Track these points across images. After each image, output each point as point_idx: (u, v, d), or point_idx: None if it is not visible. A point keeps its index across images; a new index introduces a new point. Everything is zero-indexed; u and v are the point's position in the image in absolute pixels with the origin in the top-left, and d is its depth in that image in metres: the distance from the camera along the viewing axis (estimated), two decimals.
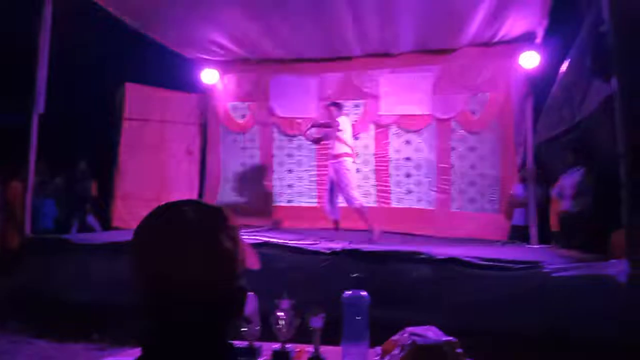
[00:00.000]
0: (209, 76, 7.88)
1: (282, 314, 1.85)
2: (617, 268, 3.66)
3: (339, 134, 6.02)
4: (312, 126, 6.55)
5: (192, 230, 0.92)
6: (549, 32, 5.95)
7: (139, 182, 7.47)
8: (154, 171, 7.68)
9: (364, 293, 1.67)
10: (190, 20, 6.24)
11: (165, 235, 0.92)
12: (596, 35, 4.03)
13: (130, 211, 7.18)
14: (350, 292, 1.68)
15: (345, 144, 6.04)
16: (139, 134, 7.61)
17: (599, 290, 3.67)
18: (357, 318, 1.68)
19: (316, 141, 6.77)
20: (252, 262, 1.04)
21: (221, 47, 7.26)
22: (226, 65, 7.90)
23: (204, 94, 8.13)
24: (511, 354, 3.54)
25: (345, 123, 6.14)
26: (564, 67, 5.20)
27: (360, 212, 5.95)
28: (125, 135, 7.51)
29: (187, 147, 8.09)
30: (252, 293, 1.98)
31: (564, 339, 3.58)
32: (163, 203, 1.00)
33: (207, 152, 8.18)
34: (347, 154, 6.04)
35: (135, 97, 7.60)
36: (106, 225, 7.64)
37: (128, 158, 7.50)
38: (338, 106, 6.26)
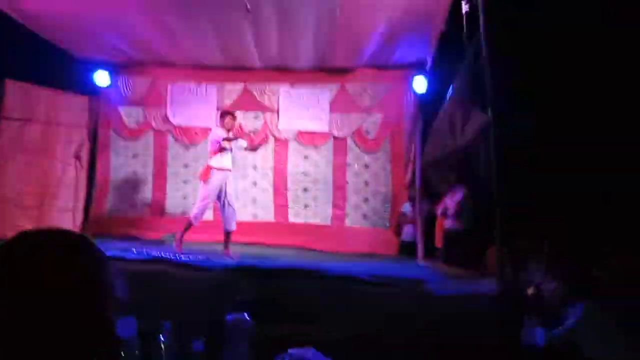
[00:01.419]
0: (101, 78, 7.47)
1: (164, 338, 1.79)
2: (489, 286, 3.96)
3: (230, 145, 5.88)
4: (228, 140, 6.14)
5: (51, 264, 0.87)
6: (438, 60, 6.37)
7: (18, 187, 6.85)
8: (36, 176, 7.08)
9: (247, 317, 1.67)
10: (82, 18, 5.87)
11: (23, 274, 0.86)
12: (475, 67, 4.39)
13: (5, 219, 6.53)
14: (233, 315, 1.67)
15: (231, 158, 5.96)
16: (19, 134, 6.96)
17: (475, 305, 3.94)
18: (240, 341, 1.67)
19: (254, 149, 6.43)
20: (121, 290, 1.00)
21: (115, 47, 6.90)
22: (120, 67, 7.54)
23: (95, 96, 7.68)
24: None
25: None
26: (449, 93, 5.59)
27: (231, 235, 5.91)
28: (3, 136, 6.85)
29: (75, 152, 7.57)
30: (131, 316, 1.91)
31: (441, 350, 3.80)
32: (25, 231, 0.93)
33: (96, 158, 7.72)
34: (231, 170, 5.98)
35: (17, 95, 6.96)
36: None
37: (6, 160, 6.83)
38: (233, 116, 6.03)
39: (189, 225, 5.84)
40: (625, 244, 3.40)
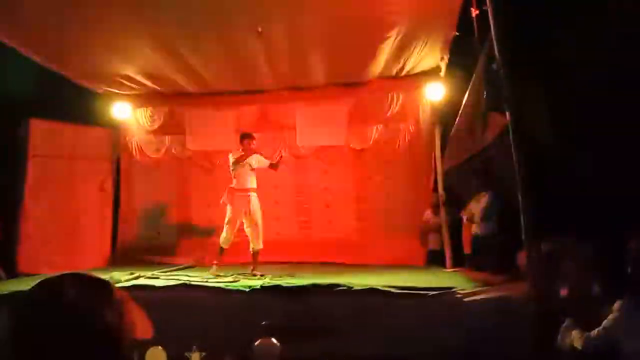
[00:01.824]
0: (121, 110, 7.63)
1: None
2: (522, 289, 3.88)
3: (252, 167, 5.97)
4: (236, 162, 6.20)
5: (70, 310, 0.89)
6: (452, 66, 6.34)
7: (47, 223, 7.00)
8: (63, 210, 7.24)
9: (274, 341, 1.66)
10: (98, 54, 6.04)
11: (43, 319, 0.88)
12: (490, 71, 4.36)
13: (38, 255, 6.67)
14: (260, 340, 1.67)
15: (254, 178, 6.03)
16: (46, 171, 7.15)
17: (506, 311, 3.87)
18: None
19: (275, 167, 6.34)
20: (144, 331, 1.01)
21: (132, 81, 7.06)
22: (138, 99, 7.69)
23: (115, 128, 7.85)
24: None
25: (255, 157, 6.11)
26: (465, 98, 5.55)
27: (258, 254, 5.95)
28: (30, 174, 7.03)
29: (100, 184, 7.72)
30: (160, 347, 1.92)
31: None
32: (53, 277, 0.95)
33: (120, 189, 7.86)
34: (255, 189, 6.03)
35: (41, 133, 7.16)
36: (11, 271, 7.05)
37: (34, 197, 6.99)
38: (252, 138, 6.12)
39: (221, 250, 5.95)
40: None
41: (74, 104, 7.13)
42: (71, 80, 6.79)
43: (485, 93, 4.33)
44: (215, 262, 5.87)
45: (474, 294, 4.08)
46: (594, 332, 3.00)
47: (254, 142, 6.09)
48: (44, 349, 0.85)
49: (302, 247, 7.32)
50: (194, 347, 1.84)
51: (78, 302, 0.90)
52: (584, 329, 3.07)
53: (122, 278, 4.85)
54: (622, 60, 3.47)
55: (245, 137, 6.10)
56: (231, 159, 6.01)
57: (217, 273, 5.56)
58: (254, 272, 5.71)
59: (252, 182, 5.98)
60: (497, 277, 4.73)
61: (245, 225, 6.00)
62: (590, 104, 3.74)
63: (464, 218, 6.26)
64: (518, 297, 3.90)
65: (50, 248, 6.82)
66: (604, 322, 2.97)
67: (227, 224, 5.93)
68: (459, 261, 6.38)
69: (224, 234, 5.93)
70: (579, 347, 3.03)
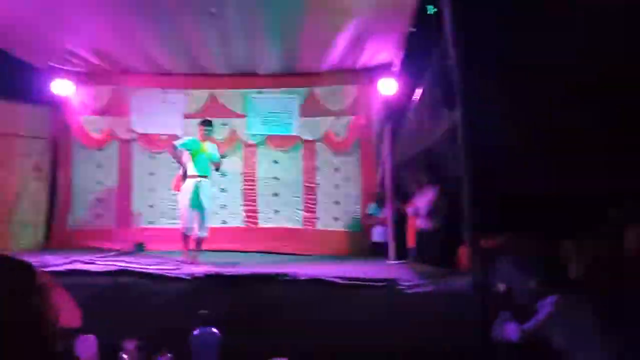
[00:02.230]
0: (62, 87, 7.23)
1: (126, 356, 1.71)
2: (462, 283, 3.97)
3: (206, 154, 5.85)
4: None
5: None
6: (406, 62, 6.39)
7: None
8: None
9: (214, 330, 1.60)
10: (41, 27, 5.68)
11: None
12: (443, 68, 4.41)
13: None
14: (199, 329, 1.60)
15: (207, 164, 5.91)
16: None
17: (449, 303, 3.95)
18: (207, 355, 1.60)
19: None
20: (71, 319, 0.92)
21: (76, 56, 6.72)
22: (81, 76, 7.32)
23: (54, 106, 7.44)
24: None
25: (210, 144, 6.01)
26: (417, 94, 5.61)
27: (202, 242, 5.87)
28: None
29: (35, 164, 7.31)
30: (93, 335, 1.81)
31: (421, 352, 3.78)
32: None
33: (57, 170, 7.47)
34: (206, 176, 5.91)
35: None
36: None
37: None
38: (209, 124, 6.01)
39: (185, 238, 5.82)
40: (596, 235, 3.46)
41: (9, 78, 6.68)
42: (6, 52, 6.35)
43: (437, 89, 4.38)
44: (184, 253, 5.73)
45: (416, 286, 4.14)
46: (528, 325, 3.10)
47: (205, 128, 5.94)
48: None
49: (248, 236, 7.25)
50: (129, 335, 1.74)
51: None
52: (520, 323, 3.16)
53: (56, 262, 4.60)
54: (580, 60, 3.59)
55: (202, 122, 6.00)
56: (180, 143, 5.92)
57: (185, 260, 5.48)
58: (196, 259, 5.58)
59: (200, 169, 5.82)
60: (439, 271, 4.82)
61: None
62: (542, 103, 3.85)
63: (409, 212, 6.34)
64: (459, 291, 3.99)
65: None
66: (537, 316, 3.08)
67: (180, 210, 5.90)
68: (402, 254, 6.48)
69: (181, 222, 5.90)
70: (514, 339, 3.13)
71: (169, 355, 1.68)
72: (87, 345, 1.65)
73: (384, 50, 6.37)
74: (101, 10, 5.29)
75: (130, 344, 1.71)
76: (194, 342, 1.56)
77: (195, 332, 1.58)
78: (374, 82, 6.95)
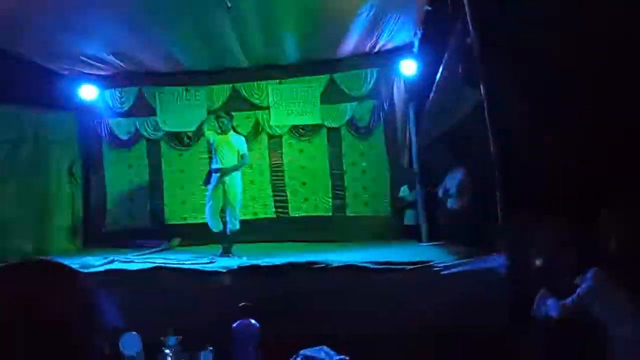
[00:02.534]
0: (88, 92, 7.39)
1: (169, 351, 1.75)
2: (496, 262, 3.93)
3: (230, 147, 5.90)
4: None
5: (29, 301, 0.83)
6: (425, 42, 6.29)
7: (16, 209, 6.76)
8: (31, 196, 7.01)
9: (253, 321, 1.63)
10: (61, 34, 5.77)
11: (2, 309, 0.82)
12: (465, 45, 4.32)
13: (5, 242, 6.44)
14: (239, 321, 1.63)
15: (235, 158, 5.95)
16: (11, 157, 6.88)
17: (482, 283, 3.92)
18: (248, 347, 1.64)
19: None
20: (114, 319, 0.96)
21: (99, 61, 6.82)
22: (106, 80, 7.46)
23: (83, 111, 7.61)
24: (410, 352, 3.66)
25: (235, 136, 6.07)
26: (439, 74, 5.52)
27: (233, 235, 5.92)
28: None
29: (68, 168, 7.51)
30: (135, 332, 1.87)
31: (456, 331, 3.77)
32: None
33: (90, 172, 7.66)
34: (237, 168, 5.96)
35: (4, 118, 6.86)
36: None
37: (2, 183, 6.73)
38: (229, 117, 6.11)
39: (215, 232, 5.98)
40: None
41: (38, 87, 6.84)
42: (31, 61, 6.50)
43: (460, 67, 4.30)
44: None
45: (451, 266, 4.12)
46: (568, 300, 3.06)
47: (222, 120, 6.01)
48: (9, 338, 0.80)
49: (278, 226, 7.30)
50: (170, 330, 1.79)
51: (42, 290, 0.84)
52: (559, 299, 3.13)
53: (95, 263, 4.74)
54: (601, 41, 3.47)
55: (220, 116, 6.07)
56: (210, 138, 6.02)
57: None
58: (229, 252, 5.67)
59: (225, 162, 5.89)
60: (472, 250, 4.78)
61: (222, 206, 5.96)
62: (566, 81, 3.74)
63: (440, 193, 6.29)
64: (494, 269, 3.95)
65: (20, 234, 6.61)
66: (578, 291, 3.04)
67: (207, 204, 5.98)
68: (435, 236, 6.44)
69: (207, 216, 6.01)
70: (554, 316, 3.10)
71: (210, 349, 1.72)
72: (131, 343, 1.70)
73: (403, 31, 6.26)
74: (117, 10, 5.33)
75: (172, 340, 1.76)
76: (234, 334, 1.59)
77: (235, 325, 1.61)
78: (395, 65, 6.88)
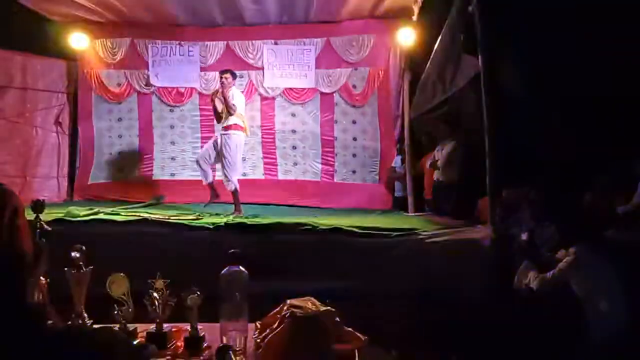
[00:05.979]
0: (79, 41, 7.21)
1: (156, 294, 1.76)
2: (482, 233, 3.98)
3: (232, 105, 5.77)
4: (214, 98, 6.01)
5: None
6: (424, 10, 6.21)
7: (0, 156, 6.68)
8: (17, 144, 6.91)
9: (242, 268, 1.64)
10: None
11: None
12: (466, 14, 4.27)
13: None
14: (228, 268, 1.64)
15: (237, 116, 5.85)
16: None
17: (467, 253, 3.97)
18: (235, 294, 1.65)
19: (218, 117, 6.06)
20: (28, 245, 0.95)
21: (90, 9, 6.65)
22: (98, 29, 7.29)
23: (73, 59, 7.44)
24: (391, 313, 3.72)
25: (238, 94, 5.97)
26: (437, 44, 5.47)
27: (234, 194, 5.87)
28: None
29: (56, 118, 7.39)
30: (123, 274, 1.87)
31: (437, 298, 3.84)
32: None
33: (78, 124, 7.54)
34: (238, 127, 5.87)
35: None
36: None
37: None
38: (233, 75, 5.90)
39: (207, 185, 6.05)
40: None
41: (25, 32, 6.66)
42: (23, 5, 6.30)
43: (461, 36, 4.25)
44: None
45: (434, 236, 4.16)
46: (549, 274, 3.12)
47: (224, 79, 5.85)
48: None
49: (267, 189, 7.30)
50: (158, 274, 1.80)
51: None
52: (540, 272, 3.19)
53: (80, 213, 4.70)
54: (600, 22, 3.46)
55: (229, 73, 5.85)
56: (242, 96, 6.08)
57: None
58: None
59: (222, 122, 5.85)
60: (457, 221, 4.83)
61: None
62: (564, 59, 3.74)
63: (428, 164, 6.31)
64: (477, 241, 4.00)
65: (4, 182, 6.52)
66: (559, 265, 3.10)
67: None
68: (421, 207, 6.49)
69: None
70: (535, 288, 3.16)
71: (198, 293, 1.73)
72: (118, 283, 1.72)
73: None
74: None
75: (159, 282, 1.77)
76: (222, 281, 1.60)
77: (224, 271, 1.62)
78: (392, 33, 6.79)
